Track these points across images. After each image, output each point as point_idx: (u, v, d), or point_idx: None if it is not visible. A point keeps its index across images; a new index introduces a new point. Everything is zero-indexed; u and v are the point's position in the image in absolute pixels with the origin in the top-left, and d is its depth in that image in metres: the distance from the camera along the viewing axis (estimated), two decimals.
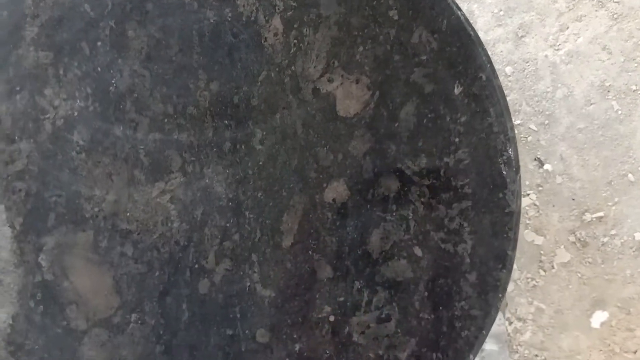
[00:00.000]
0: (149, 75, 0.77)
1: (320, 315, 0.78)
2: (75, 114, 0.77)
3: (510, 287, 1.20)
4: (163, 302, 0.78)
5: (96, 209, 0.78)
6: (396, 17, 0.76)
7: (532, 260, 1.19)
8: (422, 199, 0.78)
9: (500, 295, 0.76)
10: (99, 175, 0.78)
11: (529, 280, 1.19)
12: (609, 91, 1.17)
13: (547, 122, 1.19)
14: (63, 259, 0.78)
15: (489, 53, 0.77)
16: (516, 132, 1.08)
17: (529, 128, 1.19)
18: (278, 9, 0.77)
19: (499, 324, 1.15)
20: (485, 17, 1.20)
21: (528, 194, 1.19)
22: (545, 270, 1.19)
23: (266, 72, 0.77)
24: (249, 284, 0.79)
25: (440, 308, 0.78)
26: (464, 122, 0.77)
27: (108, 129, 0.77)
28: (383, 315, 0.78)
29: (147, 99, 0.77)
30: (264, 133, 0.78)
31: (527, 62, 1.19)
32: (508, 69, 1.20)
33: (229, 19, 0.77)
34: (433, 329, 0.78)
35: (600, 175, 1.17)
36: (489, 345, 1.13)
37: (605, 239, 1.17)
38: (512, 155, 0.76)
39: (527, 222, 1.19)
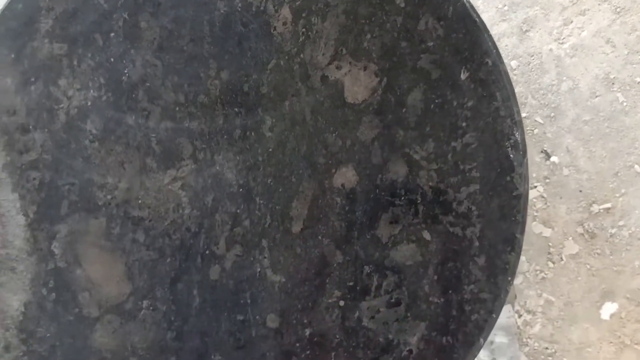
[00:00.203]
0: (160, 65, 0.79)
1: (330, 300, 0.79)
2: (89, 103, 0.78)
3: (519, 279, 1.20)
4: (174, 289, 0.79)
5: (108, 197, 0.79)
6: (402, 5, 0.78)
7: (540, 252, 1.19)
8: (430, 183, 0.78)
9: (509, 278, 0.76)
10: (112, 164, 0.79)
11: (538, 272, 1.19)
12: (613, 83, 1.18)
13: (553, 114, 1.19)
14: (76, 247, 0.79)
15: None
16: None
17: (535, 121, 1.20)
18: None
19: (509, 317, 1.15)
20: (490, 12, 1.22)
21: (535, 186, 1.20)
22: (553, 262, 1.19)
23: (275, 60, 0.79)
24: (259, 269, 0.79)
25: (450, 292, 0.78)
26: (470, 106, 0.78)
27: (120, 118, 0.79)
28: (393, 300, 0.79)
29: (158, 88, 0.79)
30: (274, 120, 0.79)
31: (532, 55, 1.21)
32: (513, 63, 1.21)
33: (239, 9, 0.78)
34: (443, 313, 0.78)
35: (606, 167, 1.18)
36: (499, 338, 1.13)
37: (613, 230, 1.17)
38: (519, 139, 0.77)
39: (535, 214, 1.19)
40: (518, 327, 1.18)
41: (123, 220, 0.79)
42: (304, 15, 0.78)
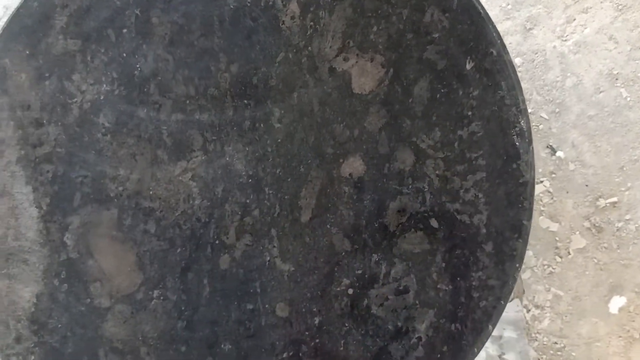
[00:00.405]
0: (172, 59, 0.80)
1: (339, 289, 0.79)
2: (102, 97, 0.80)
3: (527, 274, 1.20)
4: (185, 278, 0.80)
5: (120, 188, 0.80)
6: None
7: (547, 247, 1.19)
8: (437, 172, 0.79)
9: (517, 264, 0.77)
10: (124, 156, 0.80)
11: (546, 267, 1.19)
12: (617, 79, 1.19)
13: (557, 110, 1.20)
14: (88, 238, 0.80)
15: None
16: None
17: (541, 116, 1.21)
18: None
19: (517, 311, 1.15)
20: (494, 11, 1.24)
21: (542, 181, 1.20)
22: (561, 257, 1.19)
23: (284, 53, 0.80)
24: (268, 258, 0.80)
25: (458, 279, 0.79)
26: (476, 96, 0.79)
27: (132, 111, 0.80)
28: (401, 287, 0.79)
29: (170, 82, 0.80)
30: (282, 111, 0.80)
31: (536, 53, 1.22)
32: (518, 60, 1.22)
33: (248, 4, 0.80)
34: (451, 300, 0.79)
35: (612, 161, 1.18)
36: (508, 333, 1.12)
37: (620, 224, 1.18)
38: (524, 127, 0.78)
39: (542, 209, 1.20)
40: (527, 322, 1.18)
41: (134, 212, 0.80)
42: (311, 9, 0.80)
